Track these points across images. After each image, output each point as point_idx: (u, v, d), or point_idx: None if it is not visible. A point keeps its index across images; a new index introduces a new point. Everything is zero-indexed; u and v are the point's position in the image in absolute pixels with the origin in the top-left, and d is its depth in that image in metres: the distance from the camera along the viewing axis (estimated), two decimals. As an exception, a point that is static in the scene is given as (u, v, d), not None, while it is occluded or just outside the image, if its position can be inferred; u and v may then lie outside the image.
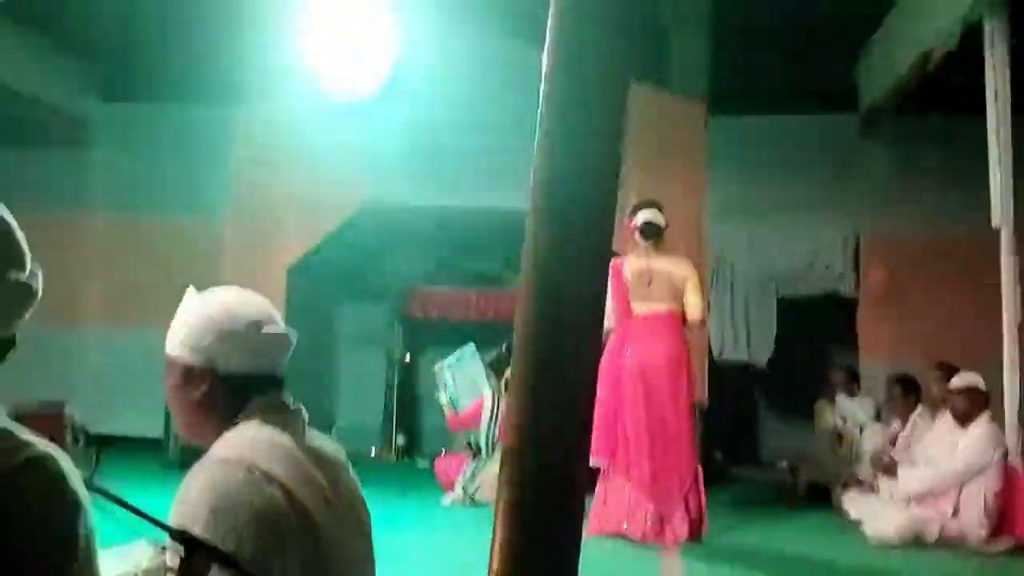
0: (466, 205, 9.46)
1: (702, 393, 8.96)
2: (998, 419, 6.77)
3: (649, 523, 6.38)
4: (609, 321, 6.64)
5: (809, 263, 9.56)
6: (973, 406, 6.69)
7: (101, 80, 10.60)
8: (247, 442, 2.06)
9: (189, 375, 2.13)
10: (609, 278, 6.24)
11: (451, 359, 8.43)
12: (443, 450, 9.18)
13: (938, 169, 9.09)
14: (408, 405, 11.08)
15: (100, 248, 10.14)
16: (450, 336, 10.18)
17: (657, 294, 6.72)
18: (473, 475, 7.66)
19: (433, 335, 11.13)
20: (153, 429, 8.98)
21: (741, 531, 6.90)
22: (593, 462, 6.45)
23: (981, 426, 6.65)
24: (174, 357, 2.15)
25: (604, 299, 2.06)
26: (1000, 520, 6.54)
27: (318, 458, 2.16)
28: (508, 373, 7.77)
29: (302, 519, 2.00)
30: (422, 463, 9.76)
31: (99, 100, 10.54)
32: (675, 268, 6.81)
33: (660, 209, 6.95)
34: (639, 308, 6.71)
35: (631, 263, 6.80)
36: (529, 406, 1.77)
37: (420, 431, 11.09)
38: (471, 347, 8.43)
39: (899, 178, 9.32)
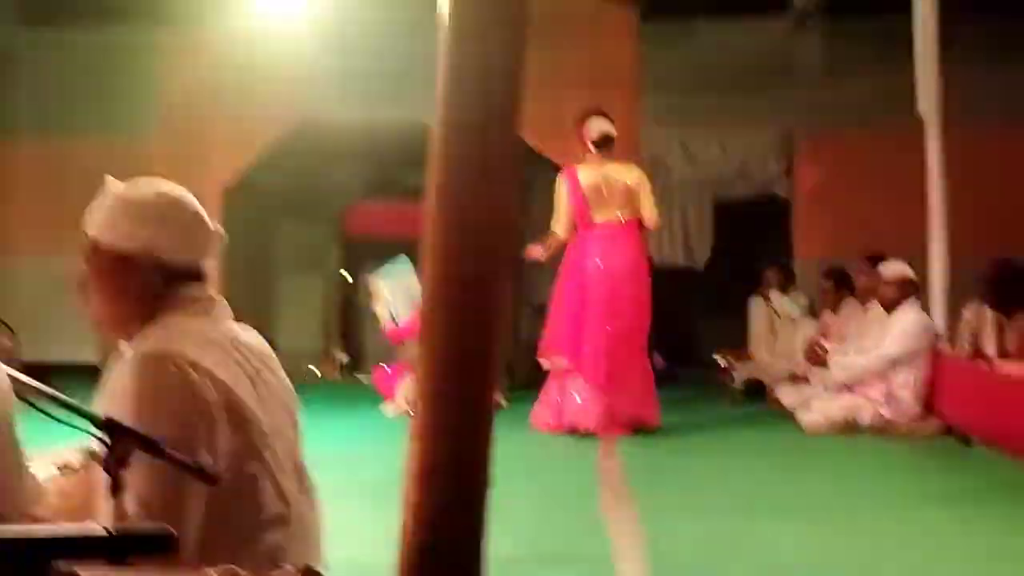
0: (402, 117, 9.39)
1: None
2: (925, 307, 6.97)
3: (602, 419, 6.62)
4: (560, 229, 7.00)
5: (743, 166, 9.64)
6: (901, 294, 6.85)
7: (22, 5, 10.30)
8: (173, 334, 2.05)
9: (122, 263, 2.08)
10: (568, 190, 6.54)
11: (384, 271, 8.44)
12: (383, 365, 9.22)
13: (869, 67, 9.16)
14: (350, 323, 11.09)
15: (29, 175, 9.95)
16: (390, 252, 10.16)
17: (616, 202, 6.95)
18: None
19: (373, 252, 11.11)
20: (91, 355, 8.91)
21: (679, 425, 7.10)
22: (555, 362, 6.88)
23: (909, 313, 6.82)
24: (105, 244, 2.10)
25: (511, 204, 2.00)
26: (929, 404, 6.76)
27: (245, 349, 2.16)
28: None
29: (230, 408, 2.00)
30: (366, 380, 9.82)
31: (21, 26, 10.25)
32: (628, 176, 7.03)
33: (609, 117, 7.08)
34: (598, 217, 6.93)
35: (586, 173, 6.99)
36: (440, 320, 1.76)
37: (364, 349, 11.11)
38: (403, 258, 8.44)
39: (831, 77, 9.38)
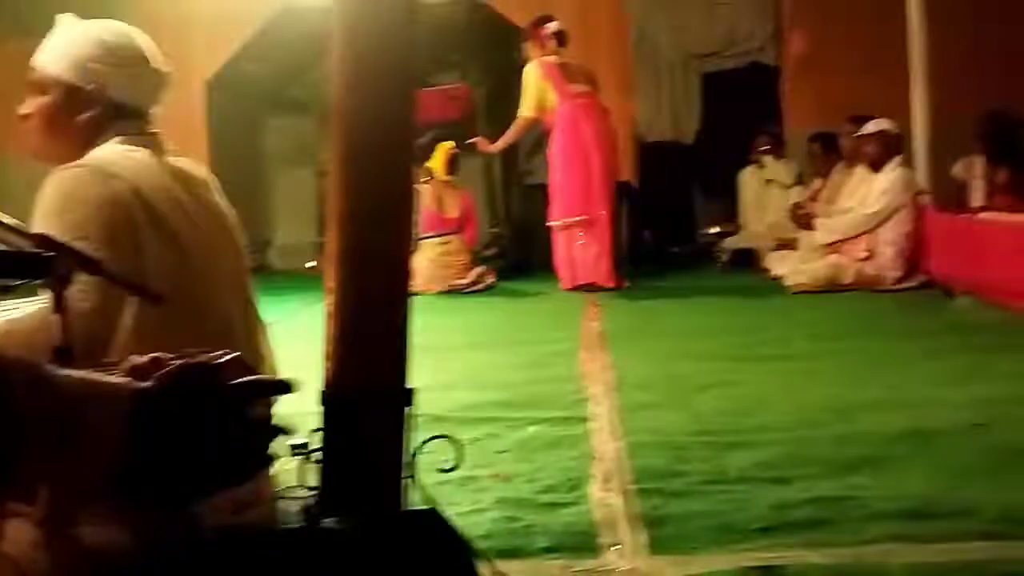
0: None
1: (630, 173, 9.17)
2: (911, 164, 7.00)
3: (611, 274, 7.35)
4: (526, 110, 7.60)
5: (730, 35, 9.55)
6: (885, 150, 6.86)
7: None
8: (98, 152, 2.08)
9: (68, 95, 2.11)
10: (540, 73, 7.06)
11: None
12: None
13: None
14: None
15: (4, 75, 9.91)
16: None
17: (581, 80, 7.62)
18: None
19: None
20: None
21: (662, 288, 7.39)
22: (572, 219, 7.45)
23: (893, 170, 6.84)
24: (52, 74, 2.12)
25: (411, 110, 1.86)
26: (914, 260, 6.82)
27: (178, 173, 2.18)
28: (430, 163, 7.92)
29: (155, 221, 2.01)
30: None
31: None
32: (584, 64, 7.83)
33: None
34: (575, 88, 7.55)
35: (553, 58, 7.61)
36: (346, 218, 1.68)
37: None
38: None
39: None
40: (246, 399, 0.94)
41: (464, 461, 3.08)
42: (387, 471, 1.69)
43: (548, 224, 7.58)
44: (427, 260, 7.76)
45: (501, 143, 8.00)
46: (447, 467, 1.88)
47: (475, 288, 7.81)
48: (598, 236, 7.35)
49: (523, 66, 7.75)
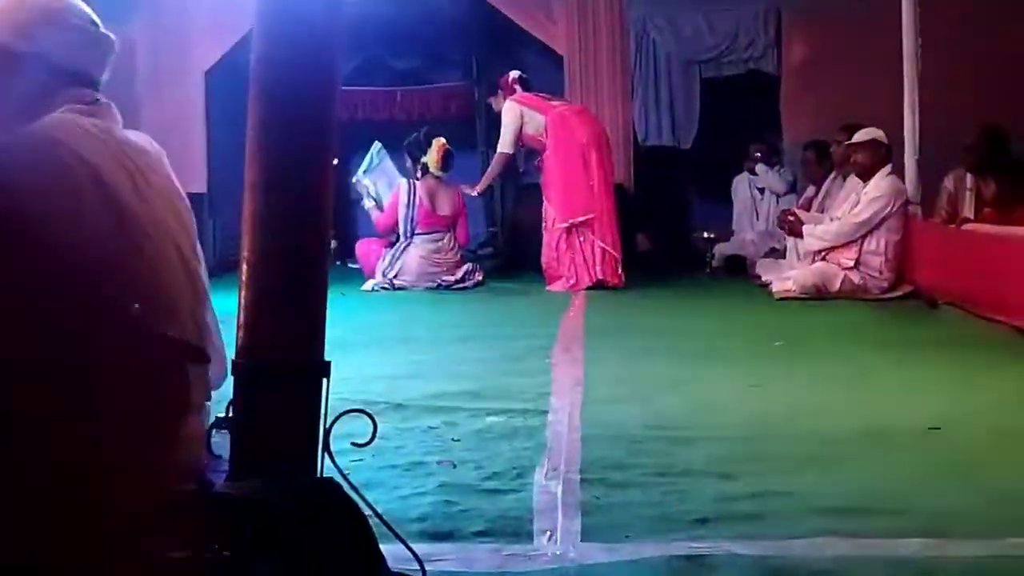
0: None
1: (626, 177, 9.17)
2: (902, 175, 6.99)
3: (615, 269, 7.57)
4: (506, 147, 8.04)
5: (731, 42, 9.54)
6: (875, 159, 6.85)
7: None
8: (46, 120, 2.04)
9: (9, 61, 2.08)
10: (515, 106, 7.86)
11: (363, 166, 8.48)
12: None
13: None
14: (339, 209, 11.14)
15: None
16: (376, 137, 10.18)
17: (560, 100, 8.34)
18: (392, 260, 7.84)
19: (359, 137, 11.13)
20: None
21: (649, 291, 7.42)
22: (580, 218, 7.58)
23: (882, 177, 6.83)
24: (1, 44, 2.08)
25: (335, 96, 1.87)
26: (901, 270, 6.80)
27: (128, 147, 2.19)
28: (425, 158, 7.93)
29: (101, 191, 1.98)
30: (355, 265, 9.90)
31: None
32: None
33: None
34: (556, 102, 8.13)
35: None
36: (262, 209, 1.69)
37: (353, 234, 11.17)
38: (377, 145, 8.50)
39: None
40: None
41: (407, 445, 3.13)
42: (297, 443, 1.70)
43: (555, 226, 7.68)
44: (418, 257, 7.76)
45: (482, 184, 8.45)
46: (361, 442, 1.86)
47: (463, 285, 7.81)
48: (603, 234, 7.53)
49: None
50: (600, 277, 7.48)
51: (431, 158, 7.92)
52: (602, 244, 7.53)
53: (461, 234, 8.12)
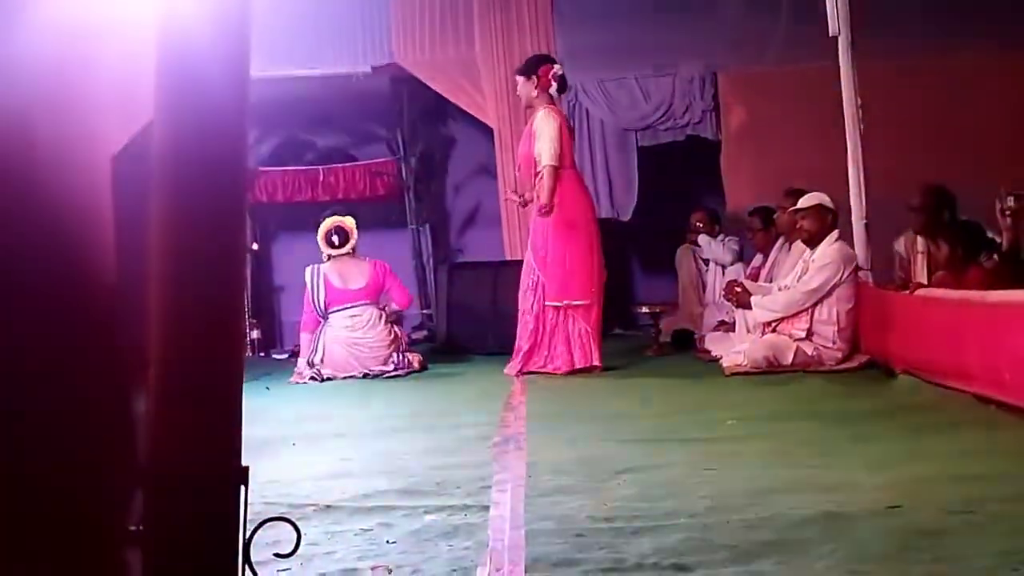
0: (310, 75, 9.47)
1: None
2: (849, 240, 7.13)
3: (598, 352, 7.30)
4: (554, 159, 7.35)
5: (668, 107, 9.74)
6: (821, 225, 6.98)
7: None
8: None
9: None
10: (558, 126, 7.26)
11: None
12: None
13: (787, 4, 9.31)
14: (262, 296, 11.08)
15: None
16: (300, 218, 10.20)
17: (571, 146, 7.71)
18: (315, 345, 7.81)
19: (282, 219, 11.15)
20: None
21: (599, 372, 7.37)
22: (582, 301, 7.30)
23: (829, 244, 6.95)
24: None
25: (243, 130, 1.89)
26: (855, 339, 6.90)
27: None
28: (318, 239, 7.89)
29: None
30: (280, 356, 9.84)
31: None
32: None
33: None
34: (573, 155, 7.72)
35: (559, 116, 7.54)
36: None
37: (278, 323, 11.12)
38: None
39: (751, 13, 9.51)
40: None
41: (338, 551, 3.08)
42: (215, 557, 1.67)
43: (548, 304, 7.28)
44: (340, 340, 7.72)
45: (545, 197, 7.29)
46: (285, 552, 1.82)
47: (395, 374, 7.76)
48: (590, 318, 7.28)
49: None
50: (586, 363, 7.21)
51: (319, 240, 7.97)
52: (588, 327, 7.23)
53: (397, 297, 8.07)
